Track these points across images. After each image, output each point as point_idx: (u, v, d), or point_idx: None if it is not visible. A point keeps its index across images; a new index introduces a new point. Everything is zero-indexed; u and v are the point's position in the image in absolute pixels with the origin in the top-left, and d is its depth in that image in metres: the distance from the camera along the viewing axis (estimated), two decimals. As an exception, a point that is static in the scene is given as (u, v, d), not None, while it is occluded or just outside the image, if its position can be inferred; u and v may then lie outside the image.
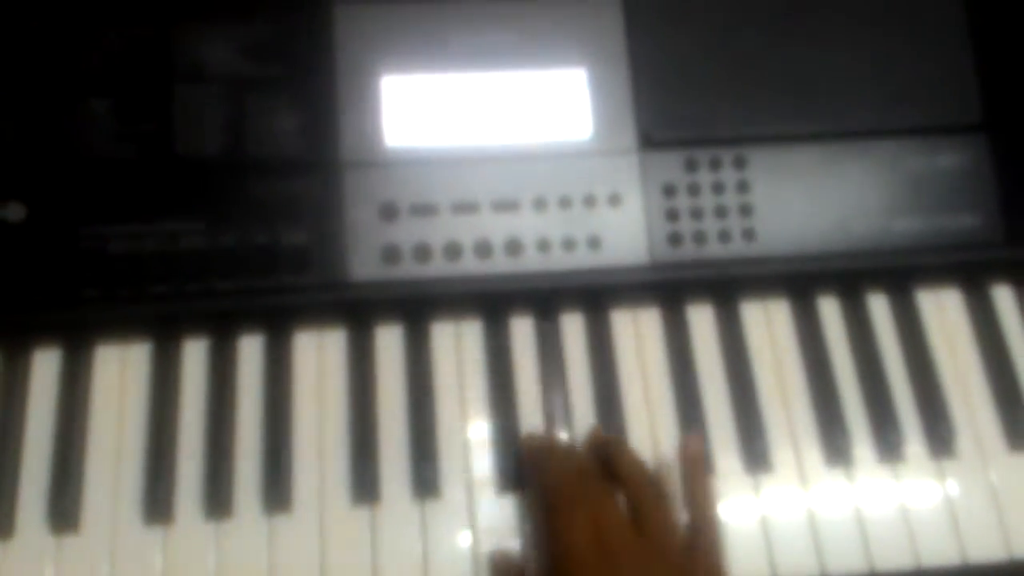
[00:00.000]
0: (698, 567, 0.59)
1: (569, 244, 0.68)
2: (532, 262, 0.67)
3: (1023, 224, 0.70)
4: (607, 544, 0.57)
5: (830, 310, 0.72)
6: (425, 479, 0.65)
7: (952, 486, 0.67)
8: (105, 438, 0.65)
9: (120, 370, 0.67)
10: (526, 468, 0.65)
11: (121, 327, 0.66)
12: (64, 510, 0.63)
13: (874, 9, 0.72)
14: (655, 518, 0.60)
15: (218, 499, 0.64)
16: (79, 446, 0.65)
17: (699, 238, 0.69)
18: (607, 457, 0.63)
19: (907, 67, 0.72)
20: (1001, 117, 0.71)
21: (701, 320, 0.71)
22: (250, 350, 0.68)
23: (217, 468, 0.64)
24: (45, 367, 0.66)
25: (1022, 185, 0.71)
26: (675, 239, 0.69)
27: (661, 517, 0.60)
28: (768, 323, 0.71)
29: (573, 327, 0.70)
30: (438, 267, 0.67)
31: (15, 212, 0.64)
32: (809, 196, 0.70)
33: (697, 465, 0.65)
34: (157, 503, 0.63)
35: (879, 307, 0.73)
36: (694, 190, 0.69)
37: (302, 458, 0.65)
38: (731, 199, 0.69)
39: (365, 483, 0.65)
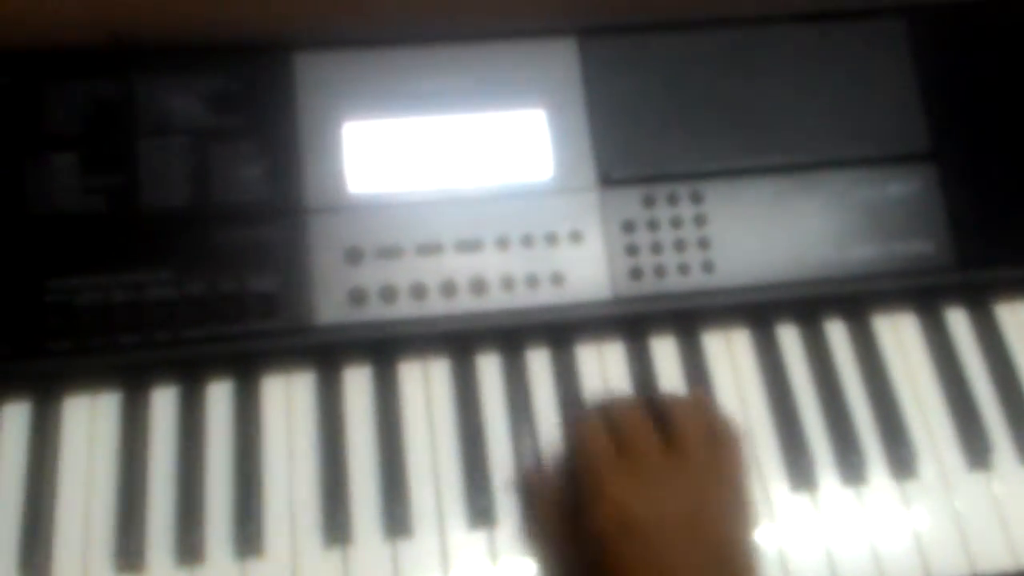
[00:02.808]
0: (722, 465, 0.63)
1: (533, 281, 0.69)
2: (497, 300, 0.68)
3: (974, 248, 0.72)
4: (629, 448, 0.61)
5: (789, 338, 0.74)
6: (396, 518, 0.65)
7: (914, 506, 0.69)
8: (75, 489, 0.65)
9: (89, 421, 0.67)
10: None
11: (90, 378, 0.67)
12: (35, 562, 0.63)
13: (821, 46, 0.74)
14: (684, 426, 0.63)
15: (190, 546, 0.64)
16: (49, 497, 0.65)
17: (659, 272, 0.70)
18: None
19: (855, 101, 0.74)
20: (947, 145, 0.74)
21: (664, 352, 0.72)
22: (219, 396, 0.68)
23: (188, 515, 0.65)
24: (14, 421, 0.67)
25: (971, 210, 0.73)
26: (636, 273, 0.70)
27: (692, 426, 0.63)
28: (730, 352, 0.73)
29: (539, 363, 0.71)
30: (404, 308, 0.68)
31: (-19, 267, 0.65)
32: (765, 228, 0.71)
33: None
34: (128, 552, 0.63)
35: (837, 333, 0.74)
36: (653, 225, 0.71)
37: (273, 501, 0.66)
38: (689, 233, 0.71)
39: (336, 524, 0.65)
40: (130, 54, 0.69)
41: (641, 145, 0.71)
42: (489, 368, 0.71)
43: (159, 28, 0.68)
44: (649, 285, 0.70)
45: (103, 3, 0.68)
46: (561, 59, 0.72)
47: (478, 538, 0.66)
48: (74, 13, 0.68)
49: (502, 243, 0.69)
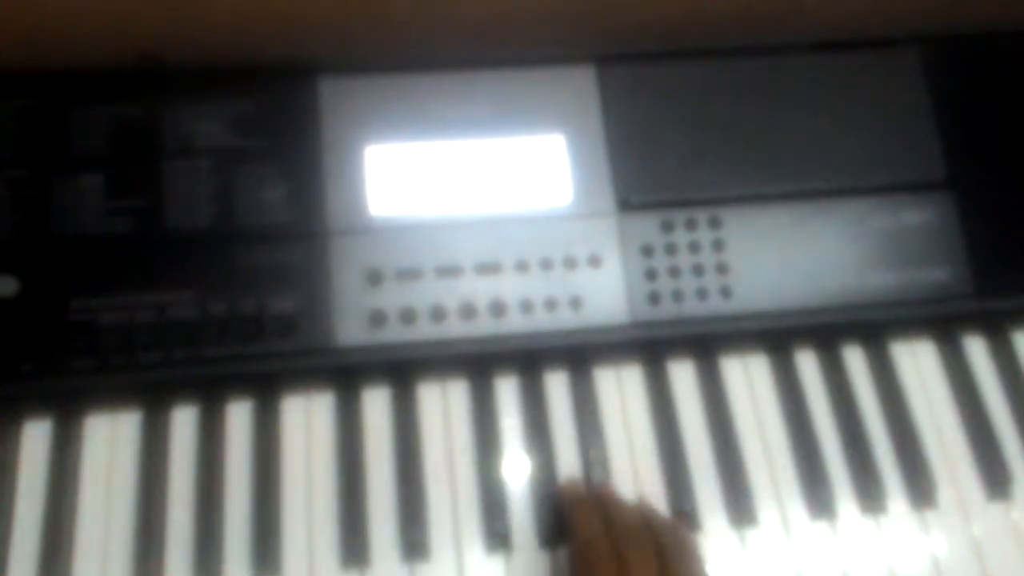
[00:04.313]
0: None
1: (551, 305, 0.69)
2: (516, 323, 0.69)
3: (992, 276, 0.72)
4: None
5: (808, 364, 0.74)
6: (414, 541, 0.66)
7: (933, 535, 0.69)
8: (95, 506, 0.66)
9: (110, 439, 0.68)
10: (564, 520, 0.66)
11: (111, 397, 0.67)
12: (54, 580, 0.63)
13: (838, 75, 0.75)
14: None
15: (208, 565, 0.64)
16: (70, 515, 0.65)
17: (677, 296, 0.70)
18: (642, 515, 0.64)
19: (872, 129, 0.74)
20: (963, 174, 0.74)
21: (682, 376, 0.73)
22: (239, 416, 0.69)
23: (207, 534, 0.65)
24: (35, 438, 0.67)
25: (988, 238, 0.73)
26: (654, 298, 0.70)
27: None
28: (748, 378, 0.73)
29: (557, 386, 0.72)
30: (424, 330, 0.68)
31: (8, 286, 0.66)
32: (782, 254, 0.72)
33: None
34: (147, 570, 0.64)
35: (855, 360, 0.74)
36: (671, 250, 0.71)
37: (292, 522, 0.66)
38: (707, 258, 0.71)
39: (354, 546, 0.65)
40: (156, 77, 0.70)
41: (659, 171, 0.72)
42: (507, 391, 0.71)
43: (184, 51, 0.70)
44: (667, 310, 0.70)
45: (129, 27, 0.69)
46: (580, 86, 0.73)
47: (495, 561, 0.66)
48: (100, 36, 0.69)
49: (521, 267, 0.70)
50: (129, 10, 0.67)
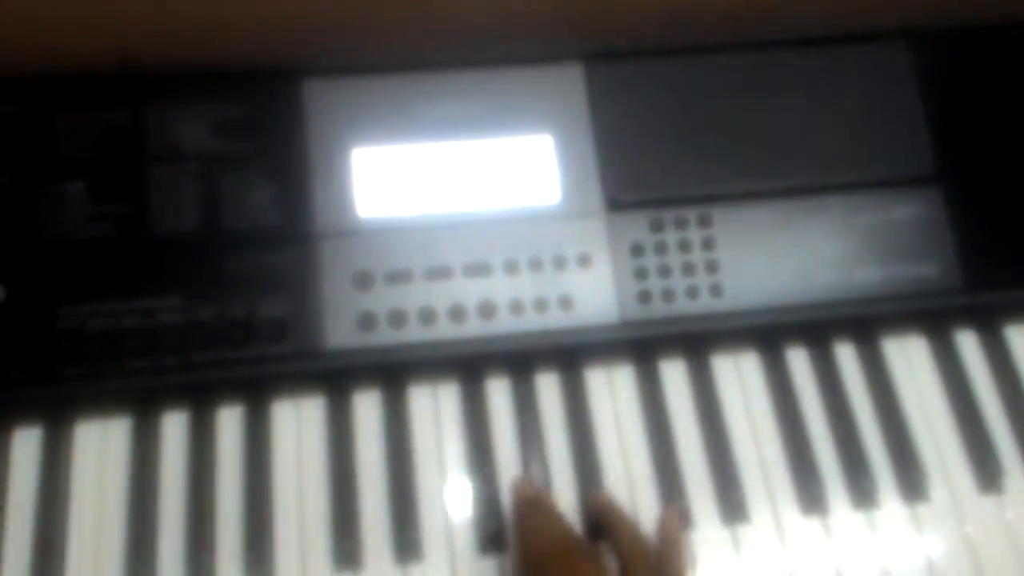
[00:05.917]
0: None
1: (541, 305, 0.69)
2: (506, 324, 0.69)
3: (981, 270, 0.72)
4: None
5: (799, 361, 0.74)
6: (407, 543, 0.66)
7: (925, 530, 0.69)
8: (86, 514, 0.66)
9: (101, 446, 0.67)
10: (514, 517, 0.66)
11: (101, 403, 0.67)
12: (46, 588, 0.63)
13: (826, 70, 0.75)
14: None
15: (200, 570, 0.64)
16: (61, 522, 0.65)
17: (668, 295, 0.70)
18: (604, 525, 0.64)
19: (860, 124, 0.74)
20: (952, 168, 0.74)
21: (674, 375, 0.72)
22: (229, 421, 0.69)
23: (199, 540, 0.65)
24: (25, 446, 0.67)
25: (978, 233, 0.73)
26: (644, 297, 0.70)
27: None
28: (739, 376, 0.73)
29: (548, 386, 0.71)
30: (413, 332, 0.68)
31: (-6, 294, 0.66)
32: (773, 251, 0.71)
33: (675, 540, 0.65)
34: (139, 577, 0.64)
35: (846, 356, 0.74)
36: (661, 249, 0.71)
37: (284, 526, 0.66)
38: (697, 256, 0.71)
39: (347, 549, 0.65)
40: (139, 82, 0.69)
41: (648, 169, 0.72)
42: (498, 392, 0.71)
43: (168, 56, 0.69)
44: (658, 309, 0.70)
45: (112, 31, 0.69)
46: (568, 85, 0.73)
47: (488, 564, 0.66)
48: (84, 41, 0.69)
49: (510, 267, 0.70)
50: (112, 15, 0.67)
